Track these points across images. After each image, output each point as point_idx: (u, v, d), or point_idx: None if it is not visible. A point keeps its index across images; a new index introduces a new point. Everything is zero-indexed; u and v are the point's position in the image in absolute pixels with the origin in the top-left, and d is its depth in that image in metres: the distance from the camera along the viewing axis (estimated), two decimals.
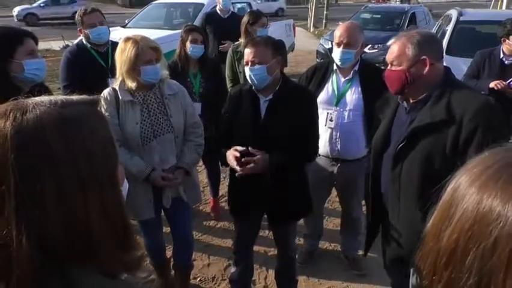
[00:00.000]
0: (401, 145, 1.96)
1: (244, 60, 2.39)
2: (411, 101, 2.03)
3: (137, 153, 2.43)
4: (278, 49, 2.43)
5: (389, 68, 2.03)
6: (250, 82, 2.39)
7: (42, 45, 13.03)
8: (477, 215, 0.58)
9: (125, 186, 0.94)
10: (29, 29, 2.49)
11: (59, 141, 0.72)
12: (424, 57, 1.89)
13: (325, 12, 20.43)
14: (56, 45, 13.05)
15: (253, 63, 2.32)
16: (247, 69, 2.36)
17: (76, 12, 3.68)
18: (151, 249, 2.89)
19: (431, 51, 1.92)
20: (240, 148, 2.33)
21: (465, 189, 0.62)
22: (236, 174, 2.37)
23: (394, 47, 1.99)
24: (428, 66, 1.90)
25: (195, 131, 2.61)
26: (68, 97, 0.79)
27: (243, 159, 2.31)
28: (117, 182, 0.82)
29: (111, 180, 0.79)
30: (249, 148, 2.32)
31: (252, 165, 2.30)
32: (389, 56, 2.01)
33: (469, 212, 0.60)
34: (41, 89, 2.05)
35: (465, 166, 0.65)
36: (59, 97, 0.78)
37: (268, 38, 2.53)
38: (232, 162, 2.35)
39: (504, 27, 3.91)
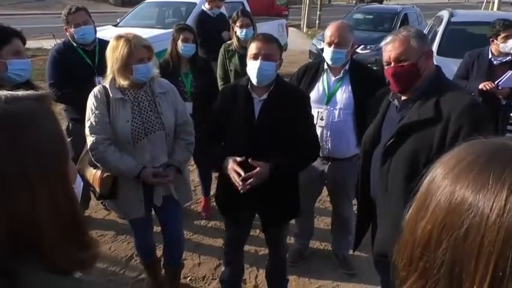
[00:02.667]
0: (389, 143, 1.97)
1: (252, 54, 2.31)
2: (402, 98, 2.04)
3: (127, 152, 2.42)
4: (281, 50, 2.43)
5: (393, 65, 1.97)
6: (253, 76, 2.31)
7: (33, 43, 12.94)
8: (450, 206, 0.60)
9: (78, 183, 0.91)
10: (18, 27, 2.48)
11: (4, 137, 0.69)
12: (427, 49, 1.93)
13: (318, 12, 20.49)
14: (47, 44, 12.94)
15: (265, 58, 2.27)
16: (254, 63, 2.28)
17: None
18: (141, 248, 2.88)
19: (427, 44, 1.95)
20: (238, 158, 2.26)
21: (439, 181, 0.63)
22: (240, 190, 2.26)
23: (395, 43, 1.95)
24: (431, 58, 1.93)
25: (185, 130, 2.60)
26: (13, 92, 0.76)
27: (242, 175, 2.22)
28: (68, 180, 0.79)
29: (61, 178, 0.76)
30: (249, 160, 2.23)
31: (252, 180, 2.22)
32: (394, 52, 1.96)
33: (442, 203, 0.61)
34: (27, 87, 2.03)
35: (441, 159, 0.67)
36: (3, 92, 0.75)
37: (273, 36, 2.48)
38: (235, 179, 2.26)
39: (493, 28, 3.95)
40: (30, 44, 12.96)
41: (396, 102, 2.09)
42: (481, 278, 0.54)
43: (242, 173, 2.23)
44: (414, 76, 1.94)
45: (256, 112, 2.36)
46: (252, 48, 2.32)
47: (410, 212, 0.68)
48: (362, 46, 9.31)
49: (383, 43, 2.05)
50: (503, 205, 0.54)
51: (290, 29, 12.58)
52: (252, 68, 2.29)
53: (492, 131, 1.75)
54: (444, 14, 6.85)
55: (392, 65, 1.98)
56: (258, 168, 2.23)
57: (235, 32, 3.97)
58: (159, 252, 3.03)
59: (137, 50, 2.28)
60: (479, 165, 0.60)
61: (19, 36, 2.23)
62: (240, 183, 2.24)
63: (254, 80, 2.32)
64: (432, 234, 0.61)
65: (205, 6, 5.53)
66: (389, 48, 1.99)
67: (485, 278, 0.54)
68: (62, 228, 0.75)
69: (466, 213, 0.57)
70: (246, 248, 3.18)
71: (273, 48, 2.32)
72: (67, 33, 3.44)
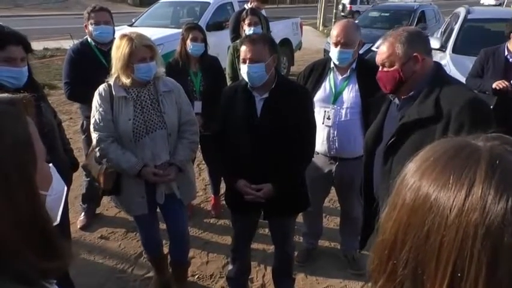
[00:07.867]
0: (390, 141, 1.95)
1: (241, 58, 2.38)
2: (402, 97, 2.01)
3: (129, 149, 2.45)
4: (274, 47, 2.42)
5: (380, 69, 2.00)
6: (246, 80, 2.37)
7: (52, 44, 13.21)
8: (414, 205, 0.59)
9: (58, 188, 0.89)
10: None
11: None
12: (415, 53, 1.88)
13: (334, 10, 20.35)
14: (67, 44, 13.17)
15: (251, 61, 2.30)
16: (244, 67, 2.34)
17: None
18: (146, 244, 2.91)
19: (420, 46, 1.91)
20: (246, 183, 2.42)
21: (408, 179, 0.63)
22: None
23: (383, 48, 1.97)
24: (420, 62, 1.88)
25: (189, 129, 2.61)
26: None
27: (246, 197, 2.42)
28: (33, 187, 0.76)
29: (24, 185, 0.73)
30: (252, 186, 2.40)
31: (259, 198, 2.41)
32: (380, 57, 1.99)
33: (407, 202, 0.61)
34: (31, 88, 2.02)
35: (413, 157, 0.66)
36: None
37: (264, 35, 2.51)
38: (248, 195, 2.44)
39: None
40: (50, 44, 13.25)
41: (396, 100, 2.06)
42: (441, 279, 0.54)
43: (252, 191, 2.42)
44: (399, 81, 1.93)
45: (258, 110, 2.38)
46: (241, 52, 2.38)
47: (384, 212, 0.67)
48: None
49: (376, 44, 2.04)
50: (462, 205, 0.54)
51: (306, 27, 12.52)
52: (243, 72, 2.36)
53: (495, 127, 1.70)
54: (461, 10, 6.72)
55: (380, 68, 2.00)
56: (262, 190, 2.39)
57: (244, 30, 3.98)
58: (166, 249, 3.06)
59: (138, 49, 2.31)
60: (441, 164, 0.59)
61: (20, 42, 2.15)
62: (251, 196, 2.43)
63: (250, 82, 2.38)
64: (398, 234, 0.60)
65: (247, 5, 5.56)
66: (378, 51, 2.01)
67: (445, 279, 0.53)
68: (24, 237, 0.72)
69: (428, 212, 0.57)
70: (255, 246, 3.18)
71: (258, 49, 2.32)
72: (86, 30, 3.51)
